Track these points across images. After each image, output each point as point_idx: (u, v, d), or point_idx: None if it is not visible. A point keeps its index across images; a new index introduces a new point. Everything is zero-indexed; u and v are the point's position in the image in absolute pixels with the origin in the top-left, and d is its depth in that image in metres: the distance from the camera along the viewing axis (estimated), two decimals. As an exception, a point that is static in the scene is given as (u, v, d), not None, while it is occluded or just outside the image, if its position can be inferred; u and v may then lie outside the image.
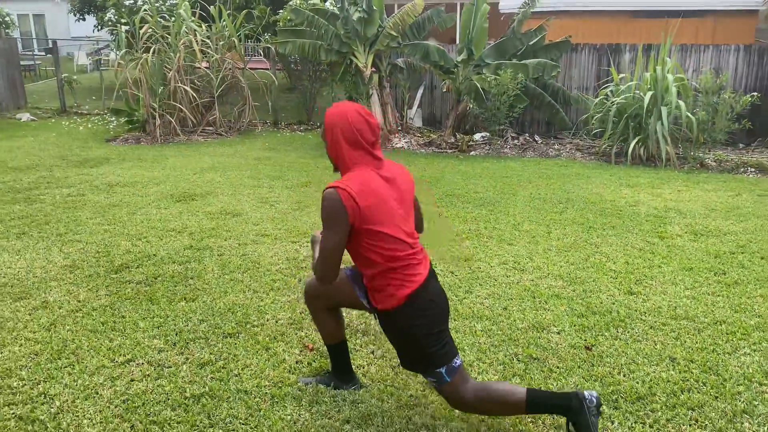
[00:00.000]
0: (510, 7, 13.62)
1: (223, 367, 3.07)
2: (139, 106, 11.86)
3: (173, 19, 12.49)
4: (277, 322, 3.60)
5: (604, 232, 5.53)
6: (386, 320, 2.46)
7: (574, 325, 3.60)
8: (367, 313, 3.68)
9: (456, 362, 2.45)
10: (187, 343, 3.33)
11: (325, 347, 3.10)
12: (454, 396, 2.45)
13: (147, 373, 3.01)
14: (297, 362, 3.14)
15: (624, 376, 3.03)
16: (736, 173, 8.52)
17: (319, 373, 3.03)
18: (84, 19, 18.55)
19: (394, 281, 2.39)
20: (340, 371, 2.88)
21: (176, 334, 3.42)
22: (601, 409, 2.36)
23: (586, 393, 2.33)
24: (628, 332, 3.52)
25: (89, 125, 13.04)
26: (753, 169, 8.65)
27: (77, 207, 6.30)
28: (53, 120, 13.90)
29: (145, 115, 11.61)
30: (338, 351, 2.84)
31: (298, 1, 12.84)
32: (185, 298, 3.92)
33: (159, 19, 12.15)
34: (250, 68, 13.15)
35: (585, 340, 3.43)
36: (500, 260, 4.74)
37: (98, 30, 18.50)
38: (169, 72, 11.43)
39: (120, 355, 3.19)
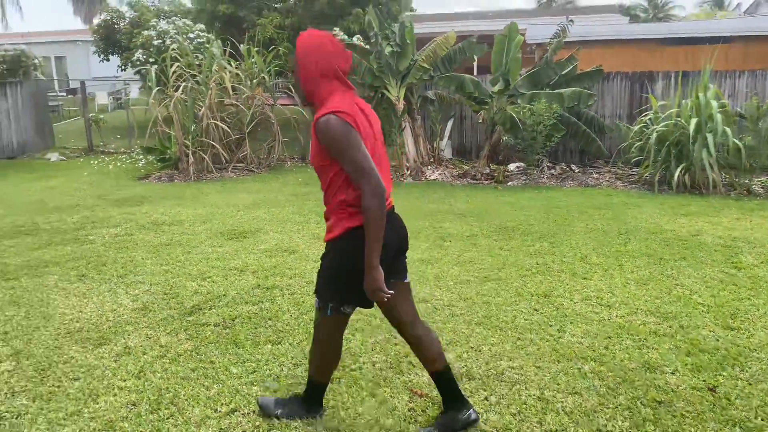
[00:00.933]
0: (537, 37, 13.69)
1: (334, 416, 2.90)
2: (171, 144, 11.87)
3: (201, 57, 12.60)
4: (374, 365, 3.44)
5: (676, 264, 5.36)
6: (328, 248, 2.50)
7: (687, 365, 3.42)
8: (467, 356, 3.53)
9: (347, 310, 2.57)
10: (288, 389, 3.17)
11: (434, 393, 2.95)
12: (321, 336, 2.65)
13: (257, 424, 2.85)
14: (409, 410, 2.98)
15: (764, 420, 2.85)
16: (786, 199, 8.36)
17: (434, 419, 2.86)
18: (108, 60, 18.77)
19: (353, 210, 2.38)
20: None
21: (274, 380, 3.26)
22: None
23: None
24: (747, 371, 3.34)
25: (118, 164, 13.06)
26: (803, 195, 8.49)
27: (129, 247, 6.20)
28: (81, 159, 13.94)
29: (178, 153, 11.61)
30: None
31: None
32: (270, 341, 3.77)
33: (188, 58, 12.24)
34: (281, 104, 13.20)
35: (704, 380, 3.24)
36: (581, 296, 4.57)
37: (122, 70, 18.71)
38: (201, 109, 11.46)
39: (221, 404, 3.03)
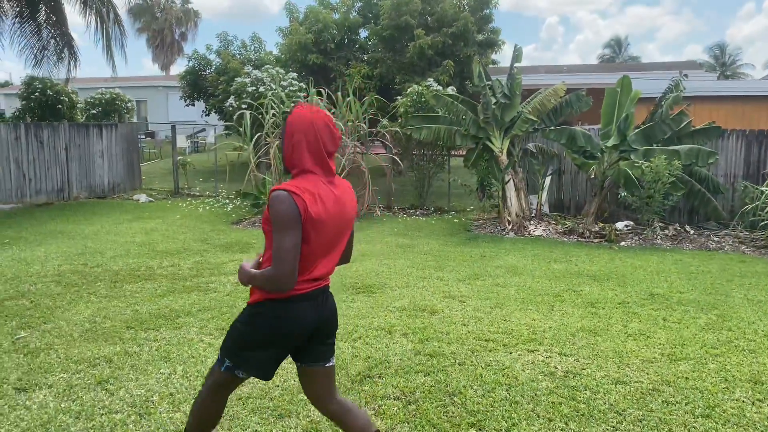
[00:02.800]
0: (646, 91, 13.20)
1: None
2: (266, 189, 11.76)
3: (288, 103, 12.60)
4: None
5: None
6: (246, 309, 2.48)
7: None
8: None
9: (240, 375, 2.50)
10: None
11: None
12: (208, 384, 2.56)
13: None
14: None
15: None
16: None
17: None
18: (194, 105, 19.20)
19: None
20: None
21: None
22: None
23: None
24: None
25: (207, 207, 13.03)
26: None
27: (256, 298, 5.88)
28: (169, 202, 14.01)
29: (272, 199, 11.47)
30: None
31: (419, 88, 12.80)
32: (470, 424, 3.30)
33: (285, 105, 12.25)
34: (373, 153, 13.03)
35: None
36: (800, 383, 3.95)
37: (206, 115, 19.07)
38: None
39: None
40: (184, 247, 8.65)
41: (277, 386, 3.81)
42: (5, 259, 7.67)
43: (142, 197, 14.34)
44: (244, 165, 17.23)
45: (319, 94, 12.50)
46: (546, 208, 12.15)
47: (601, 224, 10.64)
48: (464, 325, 5.09)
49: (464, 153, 11.88)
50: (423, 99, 12.51)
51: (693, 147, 9.91)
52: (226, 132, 14.39)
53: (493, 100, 10.55)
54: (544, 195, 11.94)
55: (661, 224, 10.50)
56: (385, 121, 13.63)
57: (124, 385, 3.79)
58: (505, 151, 10.70)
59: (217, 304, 5.66)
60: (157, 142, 23.22)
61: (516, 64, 10.57)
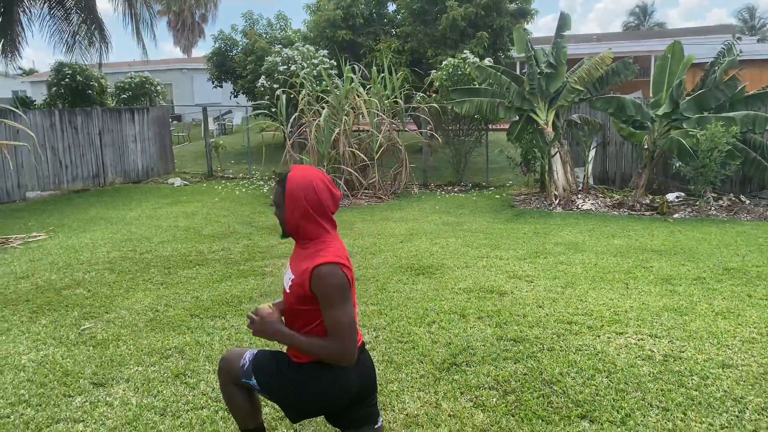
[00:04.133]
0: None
1: None
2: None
3: (324, 82, 12.33)
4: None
5: None
6: (297, 368, 2.36)
7: None
8: None
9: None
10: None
11: None
12: (223, 380, 2.53)
13: None
14: None
15: None
16: None
17: None
18: (221, 86, 19.00)
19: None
20: None
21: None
22: None
23: None
24: None
25: (243, 189, 12.89)
26: None
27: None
28: (204, 185, 13.89)
29: (310, 179, 11.27)
30: None
31: (455, 61, 12.44)
32: (579, 416, 3.08)
33: (321, 83, 11.99)
34: (409, 129, 12.74)
35: None
36: None
37: (235, 96, 18.86)
38: (338, 135, 11.11)
39: None
40: (230, 230, 8.51)
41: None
42: (54, 246, 7.59)
43: (177, 181, 14.25)
44: (276, 146, 17.10)
45: (352, 71, 12.21)
46: (591, 181, 11.80)
47: (651, 196, 10.29)
48: (540, 307, 4.85)
49: (502, 127, 11.55)
50: (459, 72, 12.15)
51: (749, 113, 9.47)
52: (257, 113, 14.15)
53: (537, 70, 10.17)
54: (590, 168, 11.58)
55: (713, 195, 10.11)
56: (419, 96, 13.32)
57: (203, 377, 3.64)
58: (550, 123, 10.35)
59: (278, 289, 5.49)
60: (185, 126, 23.11)
61: (562, 33, 10.15)
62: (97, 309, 5.05)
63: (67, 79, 15.05)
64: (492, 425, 3.01)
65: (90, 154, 13.24)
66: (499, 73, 10.32)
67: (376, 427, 2.47)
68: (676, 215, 9.40)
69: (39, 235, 8.36)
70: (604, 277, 5.71)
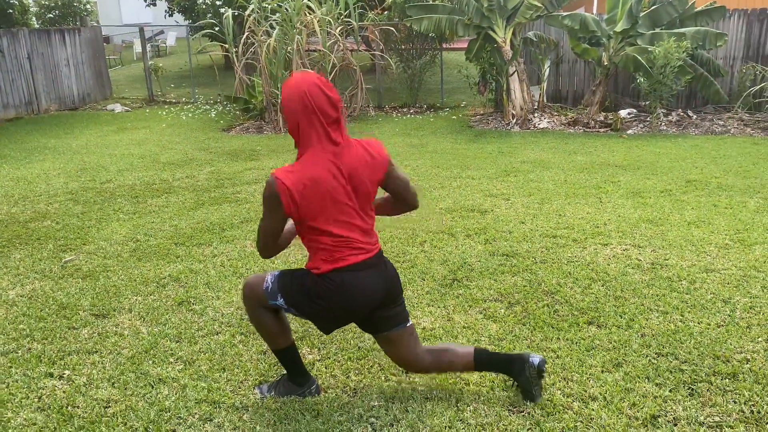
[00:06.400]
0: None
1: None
2: (255, 93, 11.17)
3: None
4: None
5: None
6: (319, 279, 2.36)
7: None
8: None
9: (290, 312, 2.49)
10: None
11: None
12: (249, 304, 2.54)
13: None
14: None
15: None
16: None
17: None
18: (155, 5, 17.81)
19: (322, 255, 2.34)
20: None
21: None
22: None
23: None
24: None
25: (189, 114, 12.37)
26: None
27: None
28: (147, 110, 13.25)
29: (264, 103, 10.93)
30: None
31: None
32: (586, 322, 3.25)
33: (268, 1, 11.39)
34: (363, 50, 12.40)
35: None
36: None
37: (170, 15, 17.76)
38: (290, 54, 10.70)
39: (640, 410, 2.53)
40: (188, 157, 8.22)
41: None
42: (2, 178, 7.15)
43: (117, 107, 13.52)
44: (218, 68, 16.34)
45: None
46: (545, 100, 11.94)
47: (605, 114, 10.54)
48: (522, 223, 4.99)
49: (455, 46, 11.40)
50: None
51: (700, 29, 9.68)
52: (203, 33, 13.37)
53: (495, -14, 9.98)
54: (545, 86, 11.68)
55: (663, 110, 10.46)
56: (371, 15, 12.91)
57: (209, 304, 3.60)
58: (508, 41, 10.29)
59: (257, 215, 5.41)
60: (116, 48, 21.68)
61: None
62: (73, 241, 4.85)
63: (-18, -3, 13.69)
64: (507, 334, 3.14)
65: (20, 80, 12.30)
66: (457, -11, 10.08)
67: (408, 325, 2.52)
68: (629, 131, 9.71)
69: (-18, 167, 7.84)
70: (577, 193, 5.89)
